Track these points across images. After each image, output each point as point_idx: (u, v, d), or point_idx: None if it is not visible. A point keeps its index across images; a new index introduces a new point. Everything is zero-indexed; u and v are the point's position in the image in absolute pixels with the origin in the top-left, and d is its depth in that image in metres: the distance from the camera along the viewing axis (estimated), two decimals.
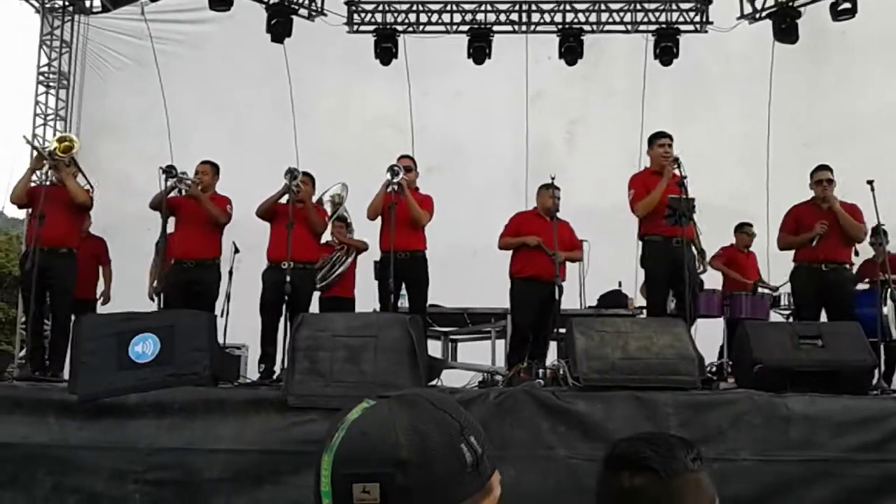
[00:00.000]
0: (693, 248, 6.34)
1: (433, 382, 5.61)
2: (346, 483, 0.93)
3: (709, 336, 7.13)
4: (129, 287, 7.68)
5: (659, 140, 6.53)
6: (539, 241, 6.73)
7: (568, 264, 6.99)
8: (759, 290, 7.88)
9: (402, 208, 6.61)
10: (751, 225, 8.34)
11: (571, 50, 9.73)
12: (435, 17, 10.29)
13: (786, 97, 9.80)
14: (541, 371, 6.09)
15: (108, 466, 4.86)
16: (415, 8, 10.33)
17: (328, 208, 7.26)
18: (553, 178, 6.75)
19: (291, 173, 6.55)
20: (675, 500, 1.24)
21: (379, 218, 6.82)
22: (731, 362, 6.31)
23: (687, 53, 9.72)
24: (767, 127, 9.77)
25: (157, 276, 7.06)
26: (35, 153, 6.61)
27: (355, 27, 10.25)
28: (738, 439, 4.80)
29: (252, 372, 6.85)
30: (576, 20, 10.06)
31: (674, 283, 6.22)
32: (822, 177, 6.65)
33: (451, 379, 6.47)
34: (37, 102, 10.47)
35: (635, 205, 6.37)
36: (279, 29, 9.75)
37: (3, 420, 5.03)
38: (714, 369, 6.48)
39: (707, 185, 6.85)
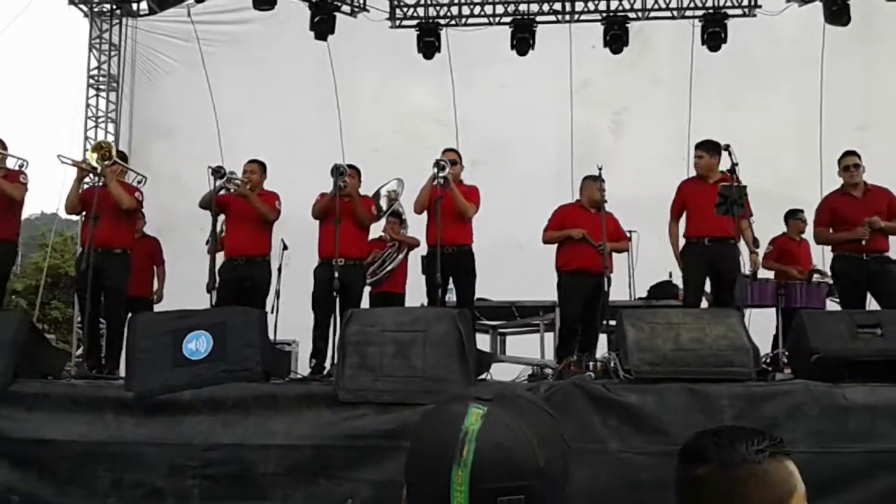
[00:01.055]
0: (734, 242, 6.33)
1: (482, 376, 5.60)
2: (490, 498, 0.93)
3: (763, 326, 7.00)
4: (182, 285, 7.80)
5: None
6: (584, 233, 6.69)
7: (615, 256, 6.93)
8: (815, 278, 7.71)
9: (448, 202, 6.61)
10: (802, 211, 8.16)
11: (616, 38, 9.61)
12: (477, 10, 10.26)
13: (838, 81, 9.58)
14: (591, 364, 6.03)
15: (166, 462, 4.94)
16: (457, 1, 10.30)
17: (384, 203, 7.27)
18: (600, 169, 6.68)
19: (337, 170, 6.59)
20: (738, 490, 1.25)
21: (425, 212, 6.83)
22: (786, 352, 6.18)
23: (735, 38, 9.54)
24: (820, 111, 9.56)
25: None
26: (78, 170, 6.76)
27: (398, 22, 10.26)
28: (794, 431, 4.71)
29: (302, 367, 6.91)
30: (620, 7, 9.93)
31: (712, 282, 6.34)
32: (849, 162, 6.54)
33: (500, 373, 6.45)
34: (87, 105, 10.70)
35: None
36: (322, 26, 9.81)
37: (62, 418, 5.14)
38: (769, 360, 6.35)
39: (758, 171, 6.73)
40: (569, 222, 6.89)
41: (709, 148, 6.54)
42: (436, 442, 0.96)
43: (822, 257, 8.09)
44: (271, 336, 6.43)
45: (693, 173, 6.79)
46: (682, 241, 6.58)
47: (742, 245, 6.48)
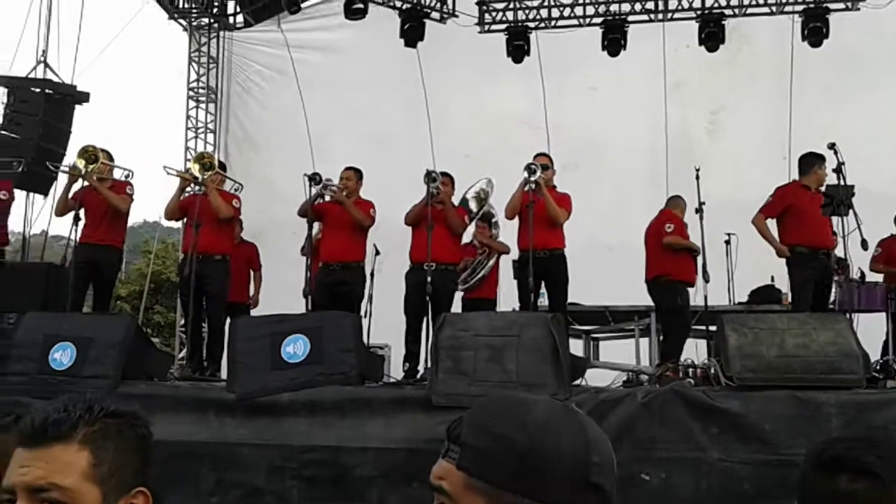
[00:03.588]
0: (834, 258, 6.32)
1: (577, 382, 5.53)
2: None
3: (872, 331, 6.69)
4: (277, 289, 7.99)
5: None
6: (699, 251, 6.72)
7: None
8: None
9: (540, 207, 6.56)
10: None
11: (712, 36, 9.36)
12: (567, 11, 10.16)
13: None
14: (690, 370, 5.89)
15: (266, 462, 5.06)
16: (546, 3, 10.23)
17: (473, 205, 7.28)
18: (698, 170, 6.54)
19: (430, 176, 6.63)
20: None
21: (517, 217, 6.80)
22: None
23: (837, 33, 9.16)
24: None
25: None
26: (180, 180, 7.01)
27: (486, 27, 10.26)
28: (868, 451, 4.47)
29: (395, 371, 6.96)
30: (716, 4, 9.67)
31: (817, 294, 6.29)
32: None
33: (594, 378, 6.36)
34: (188, 117, 11.07)
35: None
36: (412, 34, 9.89)
37: (168, 419, 5.31)
38: (879, 367, 6.08)
39: (866, 171, 6.45)
40: (685, 234, 6.98)
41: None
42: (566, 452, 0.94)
43: None
44: (365, 340, 6.51)
45: (794, 177, 6.60)
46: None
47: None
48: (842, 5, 9.35)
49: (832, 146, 5.87)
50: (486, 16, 10.31)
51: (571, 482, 0.92)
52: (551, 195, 6.70)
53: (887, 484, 1.20)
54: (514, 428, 0.93)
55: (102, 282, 7.02)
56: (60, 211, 7.02)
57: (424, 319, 6.43)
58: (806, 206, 6.36)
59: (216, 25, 11.16)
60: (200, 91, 11.12)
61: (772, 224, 6.58)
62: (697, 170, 6.57)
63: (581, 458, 0.93)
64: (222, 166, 7.68)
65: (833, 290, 6.51)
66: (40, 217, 8.82)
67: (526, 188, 6.57)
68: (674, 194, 7.41)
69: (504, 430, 0.93)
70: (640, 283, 7.07)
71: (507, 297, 7.44)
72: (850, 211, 5.79)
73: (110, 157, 7.13)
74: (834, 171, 5.85)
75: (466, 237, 7.75)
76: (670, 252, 6.92)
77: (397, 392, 5.50)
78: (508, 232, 7.29)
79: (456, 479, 0.94)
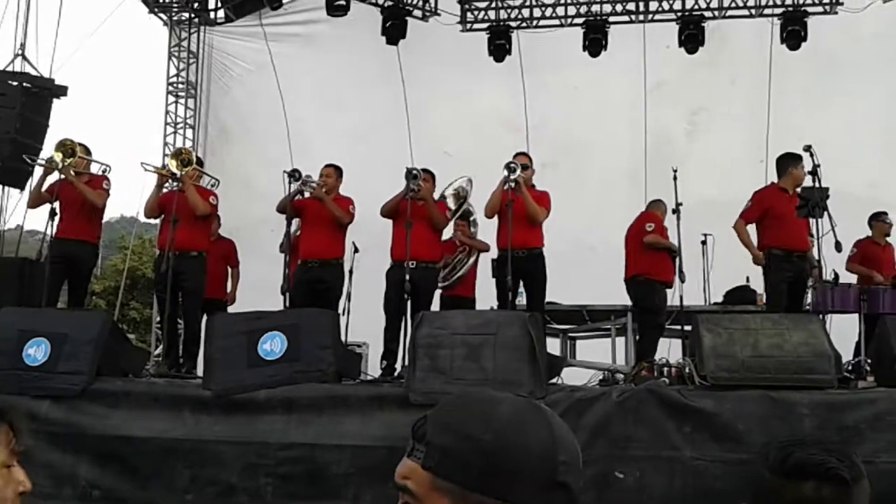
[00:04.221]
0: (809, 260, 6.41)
1: (553, 380, 5.55)
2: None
3: (844, 332, 6.77)
4: (255, 286, 7.95)
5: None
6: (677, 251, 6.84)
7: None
8: None
9: (519, 205, 6.58)
10: (887, 213, 7.87)
11: (692, 38, 9.43)
12: (549, 11, 10.19)
13: None
14: (665, 369, 5.93)
15: (241, 460, 5.05)
16: (528, 3, 10.26)
17: (451, 202, 7.29)
18: (675, 171, 6.59)
19: (411, 173, 6.62)
20: None
21: (496, 216, 6.81)
22: (869, 360, 5.97)
23: (816, 36, 9.26)
24: None
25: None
26: (158, 176, 6.98)
27: (468, 25, 10.27)
28: (877, 441, 4.56)
29: (373, 369, 6.96)
30: (696, 6, 9.74)
31: (792, 296, 6.35)
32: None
33: (570, 377, 6.39)
34: (167, 112, 10.99)
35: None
36: (394, 31, 9.89)
37: (143, 415, 5.30)
38: (851, 367, 6.15)
39: (841, 173, 6.52)
40: (665, 235, 7.05)
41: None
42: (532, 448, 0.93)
43: None
44: (343, 338, 6.50)
45: (772, 179, 6.65)
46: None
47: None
48: (820, 9, 9.45)
49: (808, 148, 5.93)
50: (469, 14, 10.32)
51: (538, 481, 0.91)
52: (530, 194, 6.73)
53: (850, 486, 1.23)
54: (480, 427, 0.92)
55: (77, 277, 6.96)
56: (33, 203, 6.97)
57: (403, 317, 6.43)
58: (784, 210, 6.41)
59: (196, 20, 11.08)
60: (180, 86, 11.05)
61: (752, 227, 6.65)
62: (675, 170, 6.61)
63: (548, 456, 0.92)
64: (199, 162, 7.63)
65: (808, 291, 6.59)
66: (15, 211, 8.74)
67: (505, 187, 6.58)
68: (655, 198, 7.48)
69: (469, 430, 0.92)
70: (618, 283, 7.12)
71: (486, 295, 7.46)
72: (825, 213, 5.85)
73: (87, 152, 7.07)
74: (809, 173, 5.91)
75: (447, 234, 7.76)
76: (650, 252, 6.99)
77: (375, 390, 5.50)
78: (488, 230, 7.30)
79: (421, 479, 0.93)
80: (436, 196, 7.11)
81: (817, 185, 5.84)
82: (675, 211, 6.66)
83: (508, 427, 0.92)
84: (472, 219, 7.92)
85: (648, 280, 6.93)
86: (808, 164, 5.99)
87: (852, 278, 7.61)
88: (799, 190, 6.23)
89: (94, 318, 6.33)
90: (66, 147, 6.79)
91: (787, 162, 6.59)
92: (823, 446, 1.27)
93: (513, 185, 6.53)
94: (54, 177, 6.88)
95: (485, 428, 0.91)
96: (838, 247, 5.91)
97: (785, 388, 4.79)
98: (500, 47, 9.91)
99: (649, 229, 7.03)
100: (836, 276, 7.16)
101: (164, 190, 7.15)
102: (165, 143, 10.79)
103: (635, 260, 7.04)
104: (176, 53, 11.05)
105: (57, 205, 6.75)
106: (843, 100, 9.43)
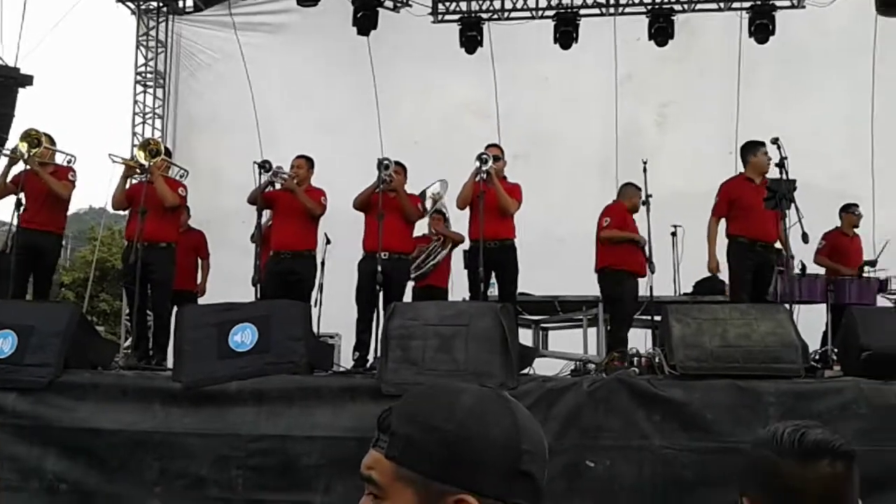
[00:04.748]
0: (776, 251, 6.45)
1: (525, 371, 5.57)
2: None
3: (812, 323, 6.88)
4: (226, 278, 7.90)
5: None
6: (644, 241, 6.81)
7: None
8: (865, 274, 7.54)
9: (491, 197, 6.59)
10: (856, 205, 8.00)
11: (662, 31, 9.48)
12: (520, 3, 10.19)
13: (890, 72, 9.33)
14: (635, 359, 5.98)
15: (211, 452, 5.01)
16: None
17: (428, 204, 7.32)
18: (645, 163, 6.63)
19: (382, 164, 6.61)
20: (855, 480, 1.32)
21: (468, 207, 6.82)
22: (836, 349, 6.07)
23: (784, 30, 9.36)
24: (871, 105, 9.32)
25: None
26: (125, 167, 6.90)
27: (440, 17, 10.24)
28: (843, 429, 4.60)
29: (345, 360, 6.95)
30: (665, 0, 9.80)
31: (756, 285, 6.40)
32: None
33: (542, 367, 6.42)
34: (135, 101, 10.86)
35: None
36: (365, 22, 9.83)
37: (112, 408, 5.24)
38: (818, 357, 6.25)
39: (808, 165, 6.60)
40: (626, 225, 7.00)
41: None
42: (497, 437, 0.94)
43: (873, 254, 7.92)
44: (315, 329, 6.48)
45: (740, 170, 6.72)
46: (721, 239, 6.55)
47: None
48: (787, 3, 9.54)
49: (775, 141, 5.99)
50: (440, 6, 10.29)
51: (501, 470, 0.91)
52: (502, 186, 6.74)
53: (855, 459, 1.31)
54: (443, 416, 0.92)
55: (43, 268, 6.88)
56: None
57: (375, 309, 6.42)
58: (750, 200, 6.46)
59: (165, 9, 10.96)
60: (148, 76, 10.92)
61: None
62: (645, 162, 6.65)
63: (511, 446, 0.92)
64: (168, 152, 7.56)
65: (775, 281, 6.65)
66: None
67: (477, 178, 6.59)
68: (626, 182, 7.46)
69: (432, 419, 0.92)
70: (590, 274, 7.16)
71: (458, 287, 7.47)
72: (792, 205, 5.92)
73: (52, 142, 6.98)
74: (777, 165, 5.97)
75: (422, 229, 7.77)
76: (615, 244, 7.01)
77: (346, 381, 5.48)
78: (460, 222, 7.31)
79: (385, 469, 0.93)
80: (409, 190, 7.11)
81: (785, 177, 5.91)
82: (646, 203, 6.72)
83: (471, 417, 0.92)
84: (446, 216, 7.94)
85: (614, 271, 6.95)
86: (775, 157, 6.05)
87: (820, 269, 7.73)
88: (767, 178, 6.29)
89: (61, 309, 6.25)
90: (31, 137, 6.69)
91: (747, 151, 6.68)
92: (820, 427, 1.34)
93: (484, 176, 6.54)
94: (19, 167, 6.79)
95: (447, 418, 0.92)
96: (805, 238, 5.99)
97: (753, 378, 4.85)
98: (471, 39, 9.90)
99: (605, 224, 7.05)
100: (804, 268, 7.28)
101: (133, 181, 7.07)
102: (134, 134, 10.67)
103: (602, 252, 7.07)
104: (144, 43, 10.92)
105: (22, 196, 6.65)
106: (811, 93, 9.54)
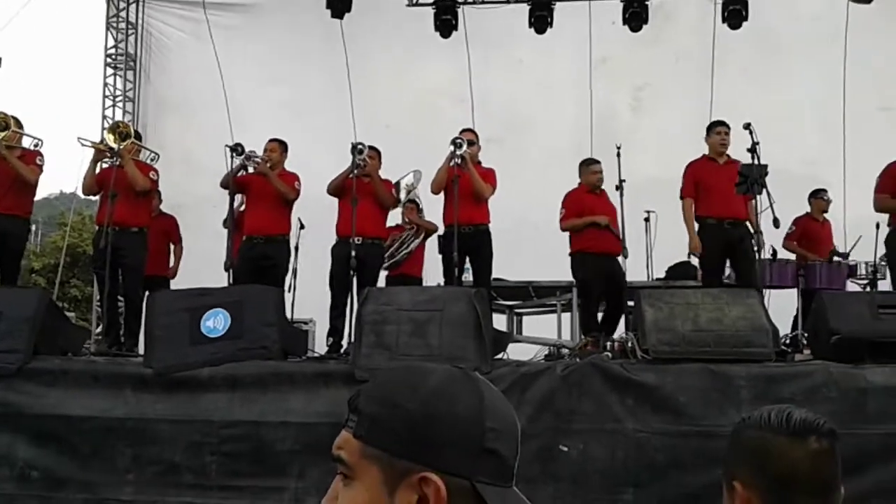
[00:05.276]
0: (749, 227, 6.36)
1: (499, 356, 5.59)
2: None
3: (782, 307, 6.95)
4: (197, 263, 7.84)
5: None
6: (608, 220, 6.68)
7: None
8: (835, 259, 7.63)
9: (466, 182, 6.58)
10: (826, 191, 8.08)
11: (636, 16, 9.46)
12: None
13: (861, 59, 9.41)
14: (608, 344, 6.02)
15: (184, 438, 4.99)
16: None
17: (402, 195, 7.30)
18: (619, 148, 6.64)
19: (356, 148, 6.57)
20: (839, 459, 1.38)
21: (442, 192, 6.81)
22: (806, 334, 6.14)
23: (758, 15, 9.38)
24: (843, 90, 9.40)
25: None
26: (95, 151, 6.80)
27: (415, 0, 10.16)
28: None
29: (319, 346, 6.93)
30: None
31: (731, 262, 6.44)
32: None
33: (516, 352, 6.45)
34: (105, 84, 10.70)
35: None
36: (339, 5, 9.73)
37: (83, 394, 5.19)
38: (789, 341, 6.32)
39: (780, 150, 6.65)
40: (584, 210, 6.88)
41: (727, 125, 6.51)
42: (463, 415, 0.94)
43: (843, 239, 8.01)
44: (288, 315, 6.45)
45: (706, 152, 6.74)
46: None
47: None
48: None
49: (747, 126, 6.03)
50: None
51: (465, 448, 0.92)
52: (477, 171, 6.73)
53: (838, 438, 1.37)
54: (407, 395, 0.93)
55: (9, 253, 6.76)
56: None
57: (349, 294, 6.41)
58: (713, 180, 6.49)
59: None
60: (119, 58, 10.74)
61: None
62: (618, 147, 6.66)
63: (475, 422, 0.93)
64: (137, 136, 7.46)
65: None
66: None
67: (452, 163, 6.57)
68: (582, 160, 7.33)
69: (397, 398, 0.94)
70: (563, 259, 7.16)
71: (432, 272, 7.46)
72: (764, 189, 5.97)
73: (20, 125, 6.86)
74: (748, 150, 6.00)
75: (396, 219, 7.74)
76: (579, 230, 6.92)
77: (320, 366, 5.47)
78: (434, 207, 7.29)
79: (353, 448, 0.95)
80: (383, 174, 7.08)
81: (756, 162, 5.95)
82: (619, 188, 6.72)
83: (435, 395, 0.94)
84: (420, 207, 7.92)
85: (580, 254, 6.90)
86: (747, 142, 6.08)
87: (791, 255, 7.81)
88: (738, 161, 6.31)
89: (30, 295, 6.17)
90: None
91: (707, 132, 6.72)
92: (800, 408, 1.40)
93: (459, 161, 6.53)
94: None
95: (411, 397, 0.93)
96: (776, 223, 6.03)
97: (724, 362, 4.91)
98: (446, 22, 9.82)
99: (561, 216, 6.99)
100: (775, 252, 7.34)
101: (104, 165, 6.98)
102: (104, 117, 10.51)
103: (571, 238, 7.02)
104: (114, 24, 10.74)
105: None
106: (783, 79, 9.59)
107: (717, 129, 6.60)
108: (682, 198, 6.64)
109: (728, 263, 6.64)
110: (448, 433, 0.92)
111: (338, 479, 0.97)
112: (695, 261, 7.58)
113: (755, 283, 5.94)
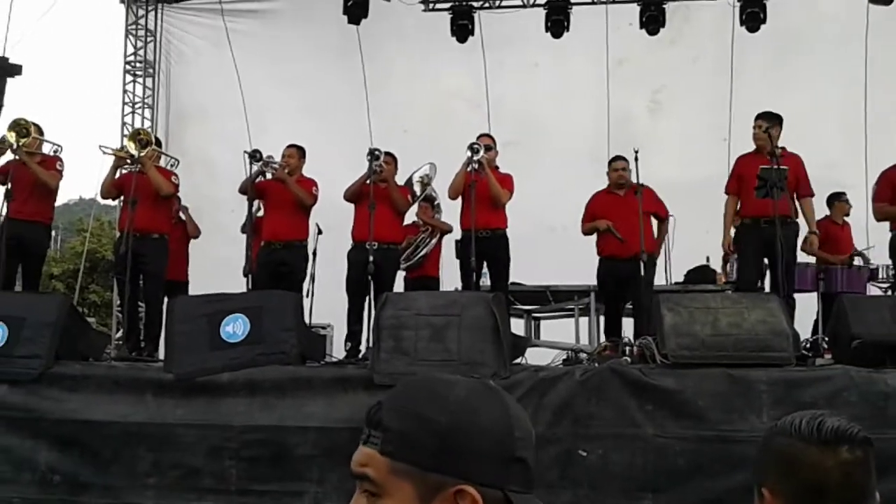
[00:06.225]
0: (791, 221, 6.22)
1: (517, 360, 5.58)
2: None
3: (802, 311, 6.88)
4: (216, 267, 7.88)
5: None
6: (608, 224, 6.64)
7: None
8: (855, 262, 7.56)
9: (483, 187, 6.59)
10: (846, 194, 8.00)
11: (653, 19, 9.42)
12: None
13: (882, 60, 9.33)
14: (627, 348, 5.99)
15: (204, 443, 5.01)
16: None
17: (417, 189, 7.29)
18: (637, 152, 6.60)
19: (373, 154, 6.59)
20: (873, 468, 1.34)
21: (459, 197, 6.81)
22: (826, 338, 6.09)
23: (777, 16, 9.32)
24: (864, 92, 9.32)
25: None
26: (115, 157, 6.86)
27: (431, 6, 10.18)
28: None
29: (337, 351, 6.94)
30: None
31: (768, 262, 6.20)
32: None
33: (534, 357, 6.43)
34: (125, 91, 10.78)
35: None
36: (356, 11, 9.76)
37: (104, 399, 5.23)
38: (809, 345, 6.26)
39: (801, 153, 6.58)
40: (599, 211, 6.85)
41: (773, 118, 6.33)
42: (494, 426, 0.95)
43: (865, 242, 7.93)
44: (306, 320, 6.47)
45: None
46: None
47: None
48: None
49: (766, 130, 5.98)
50: None
51: (497, 458, 0.93)
52: (494, 176, 6.73)
53: (872, 445, 1.33)
54: (436, 408, 0.93)
55: (31, 259, 6.83)
56: None
57: (367, 299, 6.42)
58: (752, 174, 6.24)
59: None
60: (137, 65, 10.83)
61: None
62: (636, 151, 6.63)
63: (504, 433, 0.94)
64: (157, 143, 7.52)
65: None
66: None
67: (469, 168, 6.58)
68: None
69: (425, 411, 0.93)
70: (581, 264, 7.14)
71: (450, 276, 7.45)
72: (783, 194, 5.92)
73: (40, 131, 6.94)
74: (768, 153, 5.95)
75: (410, 217, 7.74)
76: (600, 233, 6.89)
77: (339, 371, 5.48)
78: (451, 212, 7.29)
79: (379, 465, 0.94)
80: (399, 179, 7.10)
81: (776, 166, 5.90)
82: (637, 191, 6.68)
83: (464, 407, 0.94)
84: (435, 203, 7.91)
85: (599, 257, 6.89)
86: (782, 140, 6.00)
87: (810, 258, 7.74)
88: (759, 171, 6.23)
89: (52, 301, 6.22)
90: (20, 127, 6.64)
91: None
92: (835, 414, 1.36)
93: (476, 166, 6.53)
94: (7, 157, 6.74)
95: (441, 409, 0.93)
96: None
97: (744, 366, 4.87)
98: (462, 27, 9.84)
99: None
100: (794, 256, 7.27)
101: (123, 171, 7.04)
102: (123, 123, 10.59)
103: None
104: (133, 31, 10.83)
105: (9, 185, 6.61)
106: (803, 81, 9.51)
107: (756, 123, 6.38)
108: (725, 192, 6.50)
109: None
110: (479, 444, 0.92)
111: (361, 496, 0.96)
112: (714, 264, 7.54)
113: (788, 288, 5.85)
